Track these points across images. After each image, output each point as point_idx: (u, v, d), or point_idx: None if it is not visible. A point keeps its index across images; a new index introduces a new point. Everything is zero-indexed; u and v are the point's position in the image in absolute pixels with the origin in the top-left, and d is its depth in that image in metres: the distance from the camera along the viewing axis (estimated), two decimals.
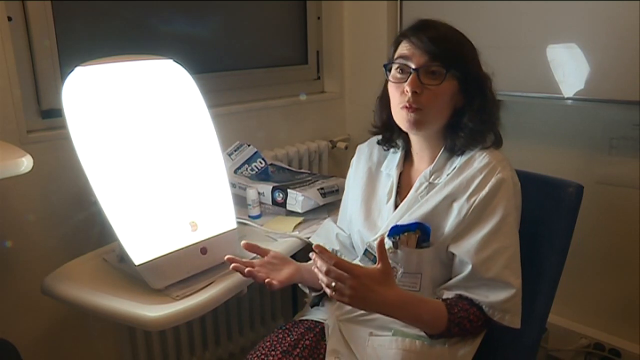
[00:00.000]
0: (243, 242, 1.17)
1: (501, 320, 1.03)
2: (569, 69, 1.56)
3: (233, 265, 1.11)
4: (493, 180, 1.04)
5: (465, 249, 1.04)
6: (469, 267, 1.03)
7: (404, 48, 1.07)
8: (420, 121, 1.07)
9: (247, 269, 1.11)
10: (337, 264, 0.92)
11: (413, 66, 1.05)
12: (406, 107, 1.06)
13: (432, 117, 1.08)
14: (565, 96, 1.58)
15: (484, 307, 1.04)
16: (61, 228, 1.43)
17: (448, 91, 1.06)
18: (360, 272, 0.93)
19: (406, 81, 1.05)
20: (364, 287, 0.93)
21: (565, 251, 1.17)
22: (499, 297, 1.02)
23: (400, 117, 1.09)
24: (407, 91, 1.05)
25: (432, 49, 1.03)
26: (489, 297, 1.03)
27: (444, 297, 1.07)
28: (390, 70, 1.10)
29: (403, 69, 1.07)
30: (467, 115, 1.08)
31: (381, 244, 0.96)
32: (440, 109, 1.07)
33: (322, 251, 0.94)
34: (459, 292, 1.06)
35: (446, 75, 1.04)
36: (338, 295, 0.93)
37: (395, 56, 1.09)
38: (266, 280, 1.09)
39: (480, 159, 1.08)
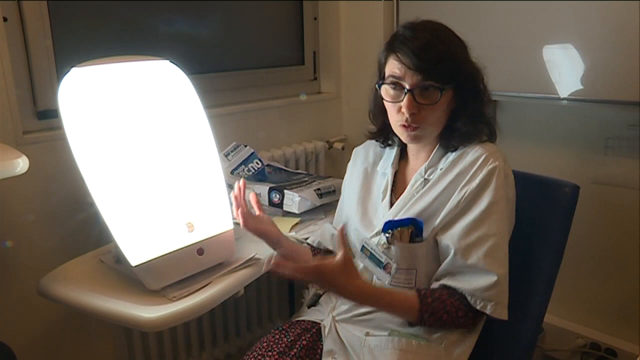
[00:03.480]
0: (251, 193, 1.26)
1: (484, 309, 1.02)
2: (565, 69, 1.56)
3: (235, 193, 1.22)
4: (484, 171, 1.05)
5: (450, 235, 1.05)
6: (452, 252, 1.04)
7: (394, 66, 1.05)
8: (419, 136, 1.09)
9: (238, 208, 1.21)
10: (297, 270, 0.97)
11: (407, 87, 1.04)
12: (404, 125, 1.07)
13: (431, 130, 1.09)
14: (561, 96, 1.58)
15: (467, 295, 1.03)
16: (58, 229, 1.42)
17: (444, 103, 1.06)
18: (318, 267, 0.97)
19: (401, 99, 1.05)
20: (324, 279, 0.98)
21: (561, 251, 1.18)
22: (479, 284, 1.02)
23: (400, 133, 1.11)
24: (404, 112, 1.05)
25: (423, 67, 1.01)
26: (471, 283, 1.03)
27: (431, 287, 1.07)
28: (381, 88, 1.10)
29: (396, 87, 1.06)
30: (461, 120, 1.08)
31: (341, 233, 0.99)
32: (438, 120, 1.08)
33: (278, 264, 0.97)
34: (444, 281, 1.06)
35: (442, 94, 1.03)
36: None
37: (387, 74, 1.08)
38: (239, 210, 1.20)
39: (473, 151, 1.08)
